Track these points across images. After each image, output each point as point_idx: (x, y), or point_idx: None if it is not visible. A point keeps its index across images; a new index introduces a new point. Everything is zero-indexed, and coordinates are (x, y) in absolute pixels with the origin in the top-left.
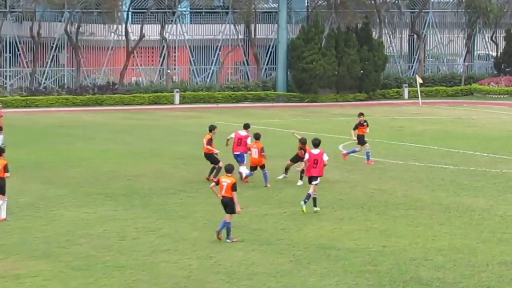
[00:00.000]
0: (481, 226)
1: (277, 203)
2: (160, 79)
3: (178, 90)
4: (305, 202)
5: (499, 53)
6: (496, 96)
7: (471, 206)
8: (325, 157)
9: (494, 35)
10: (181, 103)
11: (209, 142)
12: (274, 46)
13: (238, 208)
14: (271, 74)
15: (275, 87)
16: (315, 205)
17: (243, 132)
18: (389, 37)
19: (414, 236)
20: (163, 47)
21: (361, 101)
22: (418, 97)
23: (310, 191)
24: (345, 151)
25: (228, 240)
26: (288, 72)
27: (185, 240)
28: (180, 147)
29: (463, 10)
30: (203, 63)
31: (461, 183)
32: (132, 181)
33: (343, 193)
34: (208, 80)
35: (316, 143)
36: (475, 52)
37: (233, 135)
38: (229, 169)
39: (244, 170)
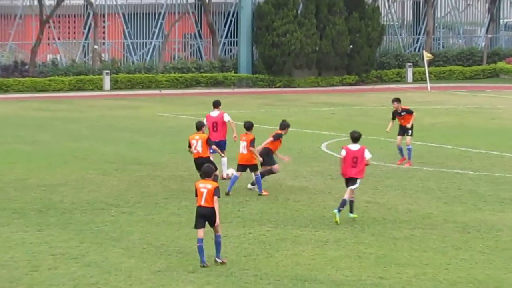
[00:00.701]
0: (510, 252)
1: (239, 221)
2: (85, 57)
3: (108, 72)
4: (339, 210)
5: None
6: None
7: (497, 224)
8: (367, 155)
9: None
10: (112, 89)
11: (208, 143)
12: (235, 13)
13: (217, 220)
14: (231, 51)
15: (236, 68)
16: (351, 211)
17: (214, 113)
18: (388, 1)
19: (422, 264)
20: (88, 15)
21: (351, 85)
22: (426, 80)
23: (346, 196)
24: (405, 158)
25: (218, 260)
26: (254, 48)
27: (118, 271)
28: (110, 147)
29: None
30: (141, 36)
31: (483, 194)
32: (47, 192)
33: (327, 208)
34: (148, 59)
35: (356, 137)
36: (501, 21)
37: (205, 121)
38: (208, 172)
39: (224, 162)
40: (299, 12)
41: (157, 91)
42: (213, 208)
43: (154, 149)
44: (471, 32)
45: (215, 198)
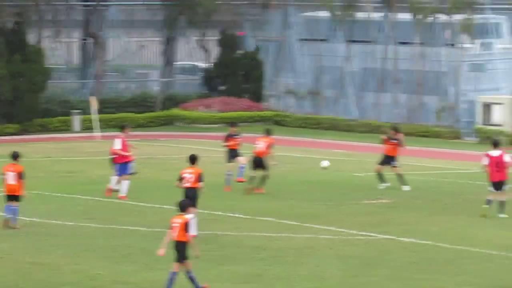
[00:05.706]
0: None
1: None
2: None
3: None
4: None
5: (210, 64)
6: (206, 126)
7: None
8: (508, 158)
9: (204, 38)
10: None
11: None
12: None
13: (196, 252)
14: None
15: None
16: (503, 211)
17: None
18: (53, 42)
19: None
20: None
21: (13, 135)
22: (96, 129)
23: (490, 196)
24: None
25: None
26: None
27: None
28: None
29: (159, 3)
30: None
31: (155, 252)
32: None
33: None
34: None
35: (498, 143)
36: (176, 63)
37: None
38: (183, 206)
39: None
40: None
41: None
42: (183, 242)
43: None
44: (145, 76)
45: (186, 233)
